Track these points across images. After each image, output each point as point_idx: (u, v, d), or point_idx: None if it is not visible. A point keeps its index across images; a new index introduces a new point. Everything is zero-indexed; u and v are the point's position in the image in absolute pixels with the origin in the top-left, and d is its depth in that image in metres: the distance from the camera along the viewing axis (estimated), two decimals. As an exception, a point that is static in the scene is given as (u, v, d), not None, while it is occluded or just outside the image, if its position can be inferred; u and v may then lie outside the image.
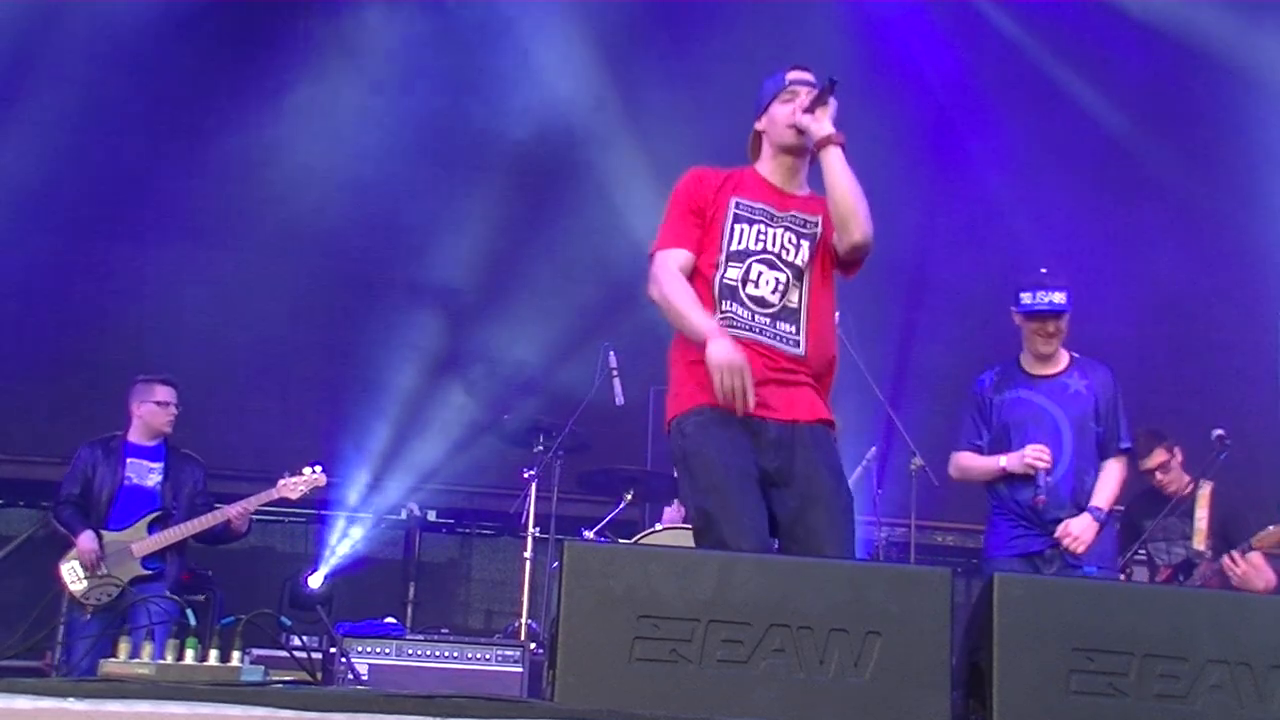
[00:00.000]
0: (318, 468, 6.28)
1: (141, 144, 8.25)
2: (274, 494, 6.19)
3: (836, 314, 6.32)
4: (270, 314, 8.22)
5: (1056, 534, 4.91)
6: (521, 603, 6.56)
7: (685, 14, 8.79)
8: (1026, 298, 5.03)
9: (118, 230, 8.28)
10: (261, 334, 8.18)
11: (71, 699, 2.36)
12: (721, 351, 3.36)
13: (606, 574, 2.82)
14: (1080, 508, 4.97)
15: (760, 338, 3.54)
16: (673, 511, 6.61)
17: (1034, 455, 4.92)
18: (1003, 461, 5.00)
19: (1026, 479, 4.95)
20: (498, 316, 8.33)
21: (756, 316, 3.55)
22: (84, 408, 7.59)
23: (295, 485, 6.19)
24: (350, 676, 5.32)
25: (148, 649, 2.78)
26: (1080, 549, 4.88)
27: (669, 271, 3.55)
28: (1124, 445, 5.12)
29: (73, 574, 5.87)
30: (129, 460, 6.13)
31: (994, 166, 8.81)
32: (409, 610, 7.86)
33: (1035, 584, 3.35)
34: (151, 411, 6.19)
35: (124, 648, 2.77)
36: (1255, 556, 5.53)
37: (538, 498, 6.66)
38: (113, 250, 8.28)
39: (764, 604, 2.84)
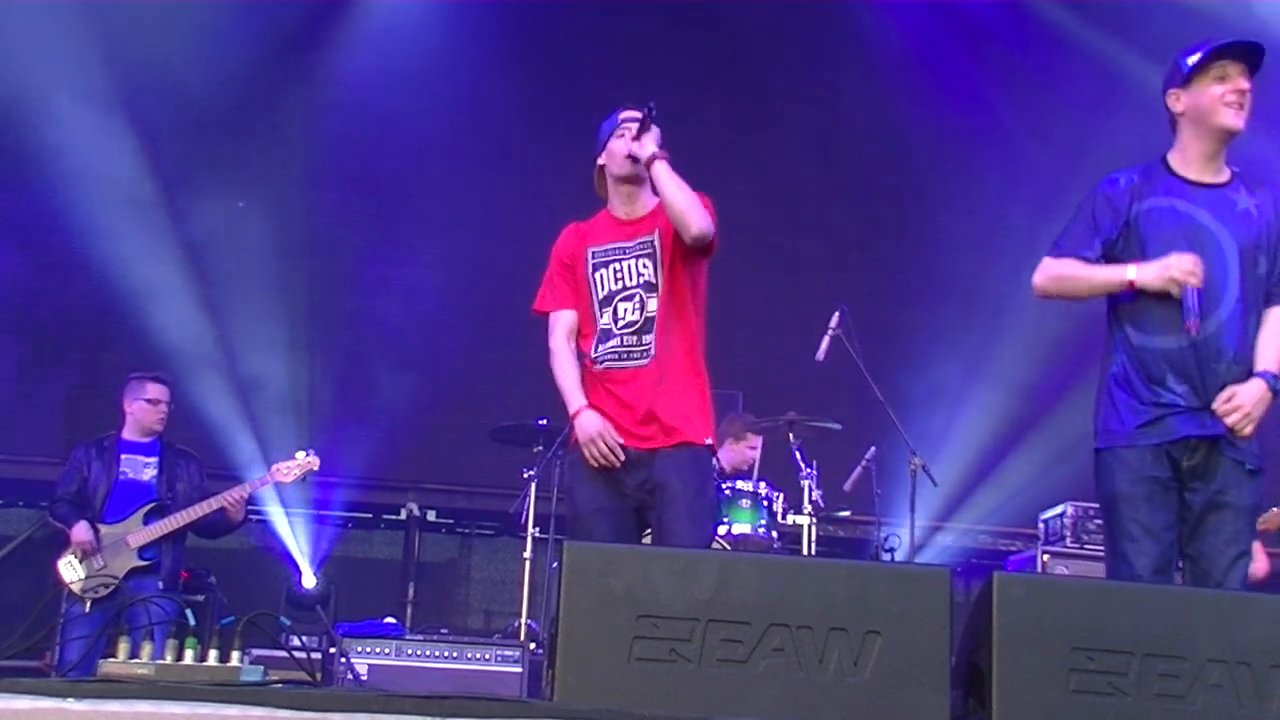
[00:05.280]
0: (310, 451, 6.24)
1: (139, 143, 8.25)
2: (268, 479, 6.16)
3: (836, 315, 6.43)
4: (270, 312, 8.22)
5: (1219, 407, 3.59)
6: (521, 603, 6.56)
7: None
8: (1194, 57, 3.68)
9: (117, 230, 8.27)
10: (259, 332, 8.18)
11: (70, 699, 2.36)
12: (583, 426, 3.95)
13: (606, 574, 2.82)
14: (1243, 366, 3.66)
15: (626, 363, 4.00)
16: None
17: (1181, 268, 3.59)
18: (1131, 273, 3.66)
19: (1167, 320, 3.64)
20: (495, 316, 8.31)
21: (624, 339, 4.02)
22: (84, 408, 7.60)
23: (289, 470, 6.15)
24: (350, 677, 5.31)
25: (147, 649, 2.78)
26: (1250, 429, 3.60)
27: (556, 348, 4.12)
28: None
29: (70, 568, 5.88)
30: (123, 456, 6.13)
31: (994, 167, 8.82)
32: (408, 610, 7.87)
33: (1035, 583, 3.34)
34: (143, 409, 6.18)
35: (123, 648, 2.76)
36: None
37: (537, 498, 6.67)
38: (114, 250, 8.27)
39: (763, 603, 2.84)
